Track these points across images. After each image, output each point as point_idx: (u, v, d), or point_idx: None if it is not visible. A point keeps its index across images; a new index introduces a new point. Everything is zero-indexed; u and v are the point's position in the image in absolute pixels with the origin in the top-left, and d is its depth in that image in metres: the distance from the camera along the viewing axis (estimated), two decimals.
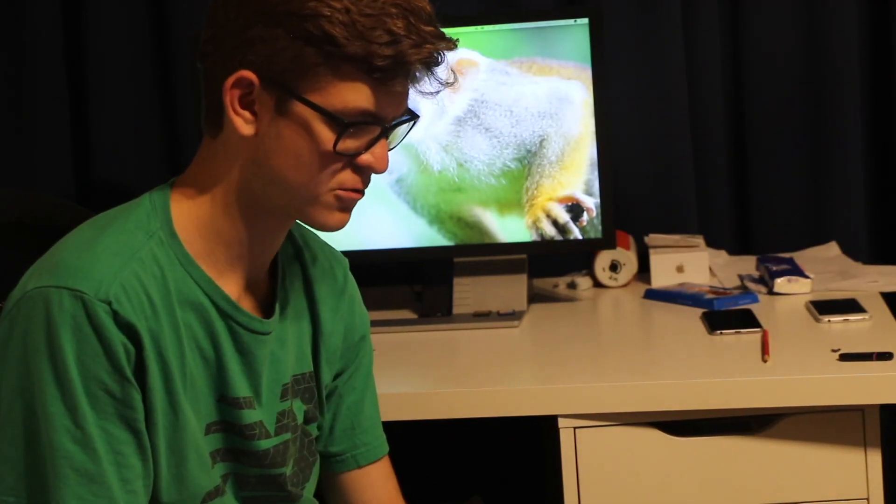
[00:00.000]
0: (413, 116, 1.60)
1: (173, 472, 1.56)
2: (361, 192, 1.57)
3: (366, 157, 1.55)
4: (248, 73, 1.52)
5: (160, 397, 1.53)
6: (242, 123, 1.54)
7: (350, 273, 1.79)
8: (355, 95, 1.51)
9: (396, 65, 1.50)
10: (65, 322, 1.47)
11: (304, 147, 1.53)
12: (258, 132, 1.54)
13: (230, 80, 1.53)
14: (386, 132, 1.55)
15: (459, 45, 1.56)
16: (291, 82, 1.51)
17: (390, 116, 1.55)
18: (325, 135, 1.52)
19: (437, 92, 1.57)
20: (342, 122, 1.52)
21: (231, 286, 1.60)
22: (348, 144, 1.53)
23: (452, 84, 1.59)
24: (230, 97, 1.53)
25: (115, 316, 1.49)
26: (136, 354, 1.51)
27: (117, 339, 1.49)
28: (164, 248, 1.55)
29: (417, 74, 1.53)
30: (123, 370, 1.49)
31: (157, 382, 1.53)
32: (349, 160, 1.54)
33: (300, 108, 1.52)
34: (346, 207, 1.57)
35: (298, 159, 1.53)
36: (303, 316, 1.71)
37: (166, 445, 1.55)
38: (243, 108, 1.54)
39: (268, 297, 1.66)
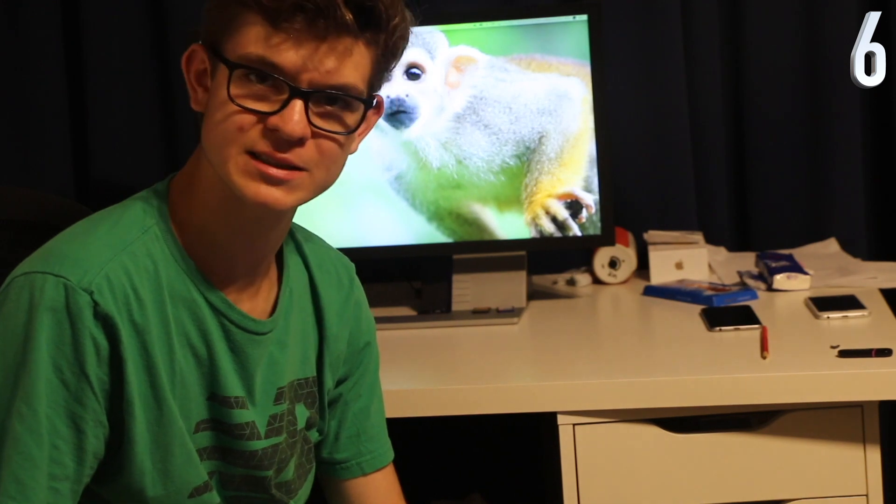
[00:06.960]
0: (371, 102, 1.53)
1: (158, 467, 1.56)
2: (279, 165, 1.50)
3: (274, 119, 1.48)
4: (196, 46, 1.53)
5: (142, 392, 1.53)
6: (195, 99, 1.54)
7: (357, 278, 1.78)
8: (248, 38, 1.48)
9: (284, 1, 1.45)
10: (45, 305, 1.47)
11: (214, 103, 1.51)
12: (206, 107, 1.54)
13: (185, 56, 1.54)
14: (297, 93, 1.48)
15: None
16: (217, 41, 1.51)
17: (292, 68, 1.48)
18: (226, 84, 1.49)
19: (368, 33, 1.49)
20: (231, 64, 1.49)
21: (228, 286, 1.59)
22: (239, 91, 1.48)
23: (381, 28, 1.50)
24: (186, 73, 1.54)
25: (95, 307, 1.48)
26: (111, 348, 1.50)
27: (88, 332, 1.48)
28: (159, 244, 1.55)
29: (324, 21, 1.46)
30: (84, 364, 1.49)
31: (137, 376, 1.52)
32: (258, 119, 1.49)
33: (220, 67, 1.51)
34: (267, 179, 1.50)
35: (211, 116, 1.51)
36: (308, 320, 1.70)
37: (151, 440, 1.54)
38: (199, 85, 1.54)
39: (271, 300, 1.65)
